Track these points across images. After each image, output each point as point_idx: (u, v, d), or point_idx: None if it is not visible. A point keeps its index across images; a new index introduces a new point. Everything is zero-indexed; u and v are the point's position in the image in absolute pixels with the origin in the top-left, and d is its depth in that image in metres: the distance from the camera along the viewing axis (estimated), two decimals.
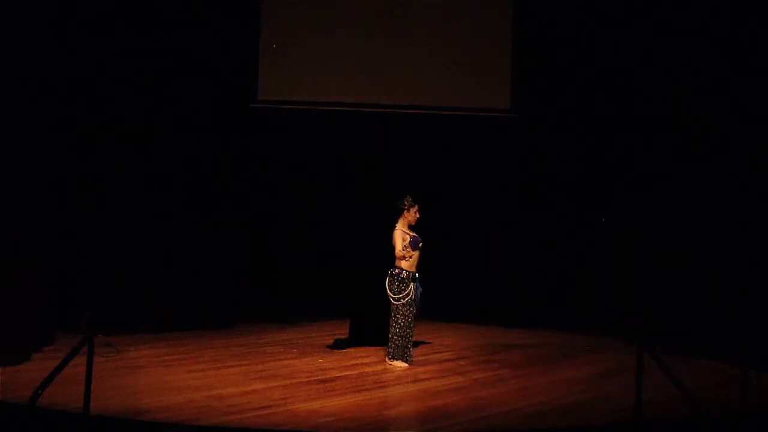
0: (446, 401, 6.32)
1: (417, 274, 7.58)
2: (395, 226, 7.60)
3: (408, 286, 7.51)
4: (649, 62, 9.03)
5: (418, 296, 7.59)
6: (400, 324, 7.53)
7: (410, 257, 7.48)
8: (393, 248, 7.53)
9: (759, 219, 7.88)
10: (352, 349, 8.46)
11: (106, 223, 8.94)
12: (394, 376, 7.26)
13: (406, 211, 7.65)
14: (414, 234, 7.60)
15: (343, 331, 8.94)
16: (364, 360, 7.89)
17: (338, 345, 8.61)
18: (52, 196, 8.27)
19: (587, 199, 9.82)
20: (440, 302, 10.08)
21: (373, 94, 9.81)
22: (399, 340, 7.56)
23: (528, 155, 10.26)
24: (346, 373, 7.33)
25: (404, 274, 7.51)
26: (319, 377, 7.13)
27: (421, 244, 7.54)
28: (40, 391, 4.95)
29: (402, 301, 7.49)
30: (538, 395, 6.55)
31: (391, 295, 7.54)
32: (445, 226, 10.32)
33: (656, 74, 8.96)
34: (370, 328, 8.52)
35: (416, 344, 8.64)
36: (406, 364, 7.54)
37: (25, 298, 7.43)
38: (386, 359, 7.67)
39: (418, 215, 7.68)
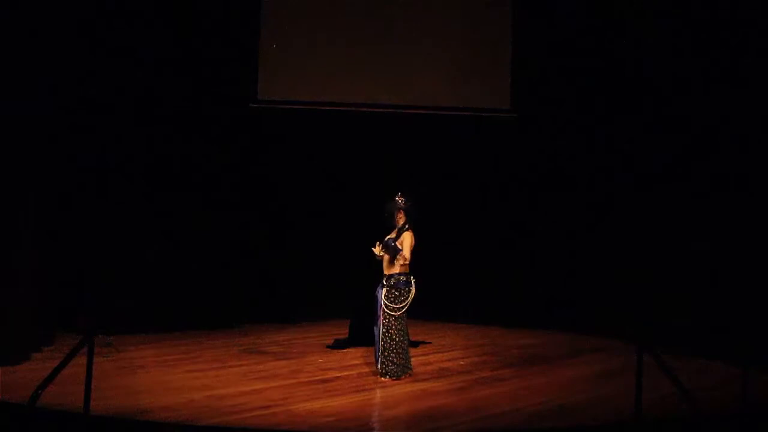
0: (446, 401, 6.32)
1: (383, 280, 7.12)
2: (407, 228, 7.12)
3: (409, 291, 7.04)
4: (648, 61, 9.02)
5: (377, 305, 7.11)
6: (395, 340, 6.98)
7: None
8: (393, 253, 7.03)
9: (759, 218, 7.88)
10: (352, 349, 8.46)
11: (106, 223, 8.95)
12: None
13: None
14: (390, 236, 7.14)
15: (343, 331, 8.95)
16: (364, 360, 7.88)
17: (338, 345, 8.62)
18: (52, 196, 8.27)
19: (587, 199, 9.81)
20: (440, 302, 10.09)
21: (373, 94, 9.81)
22: (397, 358, 6.99)
23: (528, 155, 10.25)
24: (346, 373, 7.33)
25: (402, 278, 7.04)
26: (319, 377, 7.13)
27: (383, 244, 7.11)
28: (40, 391, 4.94)
29: (403, 310, 6.98)
30: (538, 395, 6.55)
31: (392, 305, 6.98)
32: (445, 226, 10.32)
33: (655, 73, 8.96)
34: (370, 328, 8.50)
35: (416, 344, 8.65)
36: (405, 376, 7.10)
37: (25, 298, 7.43)
38: (382, 378, 7.00)
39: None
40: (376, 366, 7.14)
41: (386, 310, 7.02)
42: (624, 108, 9.33)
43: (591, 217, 9.73)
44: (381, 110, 9.82)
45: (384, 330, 7.02)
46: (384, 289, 7.09)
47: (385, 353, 7.00)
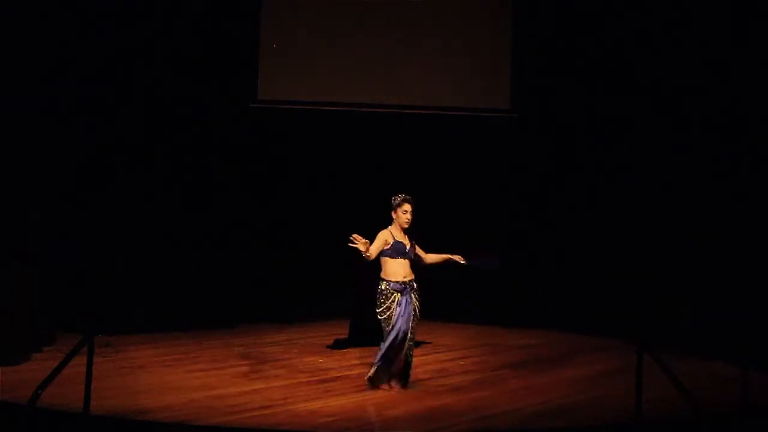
0: (446, 401, 6.32)
1: (407, 286, 6.53)
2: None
3: (389, 299, 6.47)
4: (648, 60, 9.02)
5: (407, 311, 6.45)
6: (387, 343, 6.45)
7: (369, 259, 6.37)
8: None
9: (759, 218, 7.88)
10: (352, 349, 8.46)
11: (106, 223, 8.95)
12: None
13: (393, 210, 6.61)
14: (401, 239, 6.56)
15: (343, 331, 8.95)
16: (364, 360, 7.88)
17: (338, 345, 8.61)
18: (52, 195, 8.27)
19: (587, 199, 9.81)
20: (440, 302, 10.07)
21: (373, 94, 9.81)
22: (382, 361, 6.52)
23: (528, 155, 10.25)
24: (346, 373, 7.33)
25: (384, 286, 6.50)
26: (319, 377, 7.13)
27: (407, 251, 6.54)
28: (40, 391, 4.94)
29: (382, 316, 6.45)
30: (538, 395, 6.55)
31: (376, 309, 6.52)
32: (445, 226, 10.30)
33: (656, 73, 8.96)
34: (370, 328, 8.49)
35: (417, 344, 8.64)
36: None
37: (25, 298, 7.43)
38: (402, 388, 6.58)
39: (408, 216, 6.54)
40: (401, 381, 6.63)
41: (418, 315, 6.54)
42: (624, 108, 9.33)
43: (591, 216, 9.72)
44: (381, 110, 9.82)
45: (413, 337, 6.54)
46: (412, 295, 6.53)
47: (411, 364, 6.61)
